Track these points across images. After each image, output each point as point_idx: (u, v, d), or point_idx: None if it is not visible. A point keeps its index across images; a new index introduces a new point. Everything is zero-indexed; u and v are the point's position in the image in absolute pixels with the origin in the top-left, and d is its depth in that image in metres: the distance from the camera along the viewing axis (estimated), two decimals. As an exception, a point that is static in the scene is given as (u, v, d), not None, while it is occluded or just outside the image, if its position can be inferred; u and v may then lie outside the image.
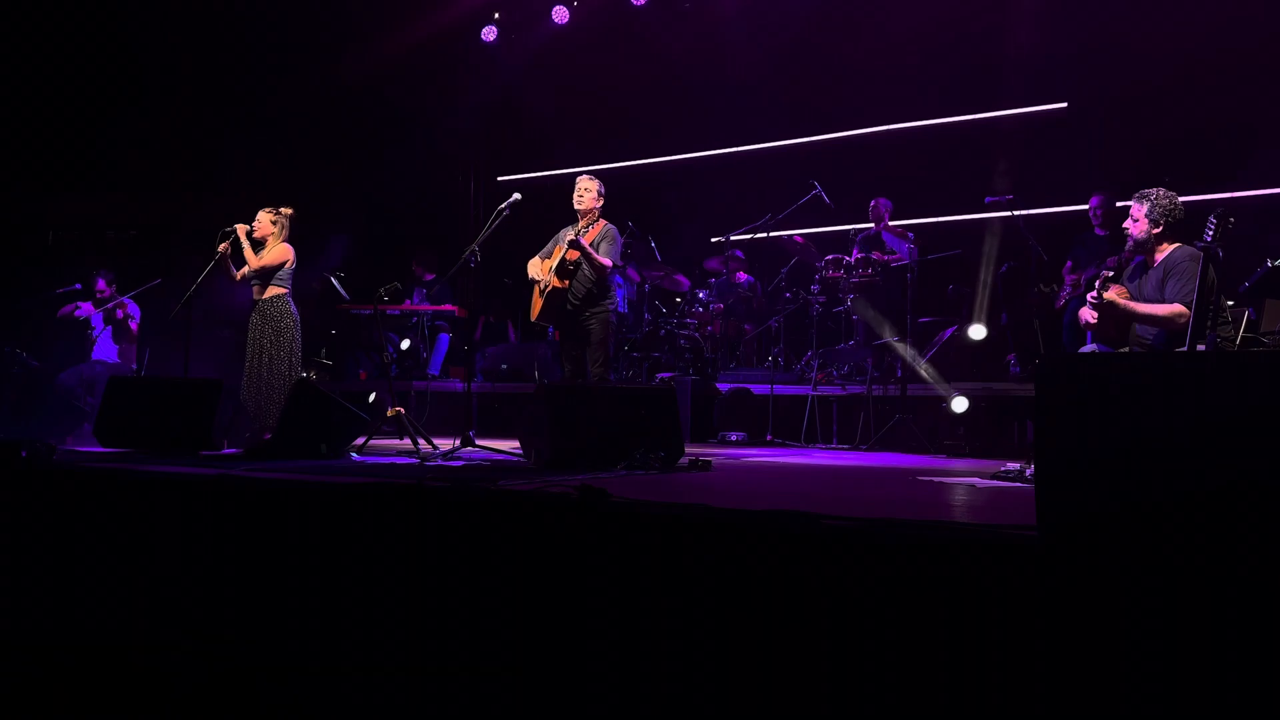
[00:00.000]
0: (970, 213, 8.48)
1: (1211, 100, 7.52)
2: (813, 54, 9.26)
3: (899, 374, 7.21)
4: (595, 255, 5.92)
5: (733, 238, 8.85)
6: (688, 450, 5.07)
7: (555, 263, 5.97)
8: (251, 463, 4.67)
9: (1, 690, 3.49)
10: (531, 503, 3.08)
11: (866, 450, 6.77)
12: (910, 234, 8.24)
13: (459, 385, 8.39)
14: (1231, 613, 1.99)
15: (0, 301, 8.85)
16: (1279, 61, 7.27)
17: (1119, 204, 6.92)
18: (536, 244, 6.29)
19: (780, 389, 7.65)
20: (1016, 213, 7.55)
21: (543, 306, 6.09)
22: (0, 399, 8.09)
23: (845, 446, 7.06)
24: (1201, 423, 2.10)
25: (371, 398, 5.65)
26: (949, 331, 7.64)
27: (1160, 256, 4.67)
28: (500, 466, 4.78)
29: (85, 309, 8.19)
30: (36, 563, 3.87)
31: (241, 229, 6.09)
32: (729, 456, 5.84)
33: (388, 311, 9.04)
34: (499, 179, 10.85)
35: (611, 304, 6.16)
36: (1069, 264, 7.50)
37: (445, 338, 9.51)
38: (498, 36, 10.51)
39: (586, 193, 6.11)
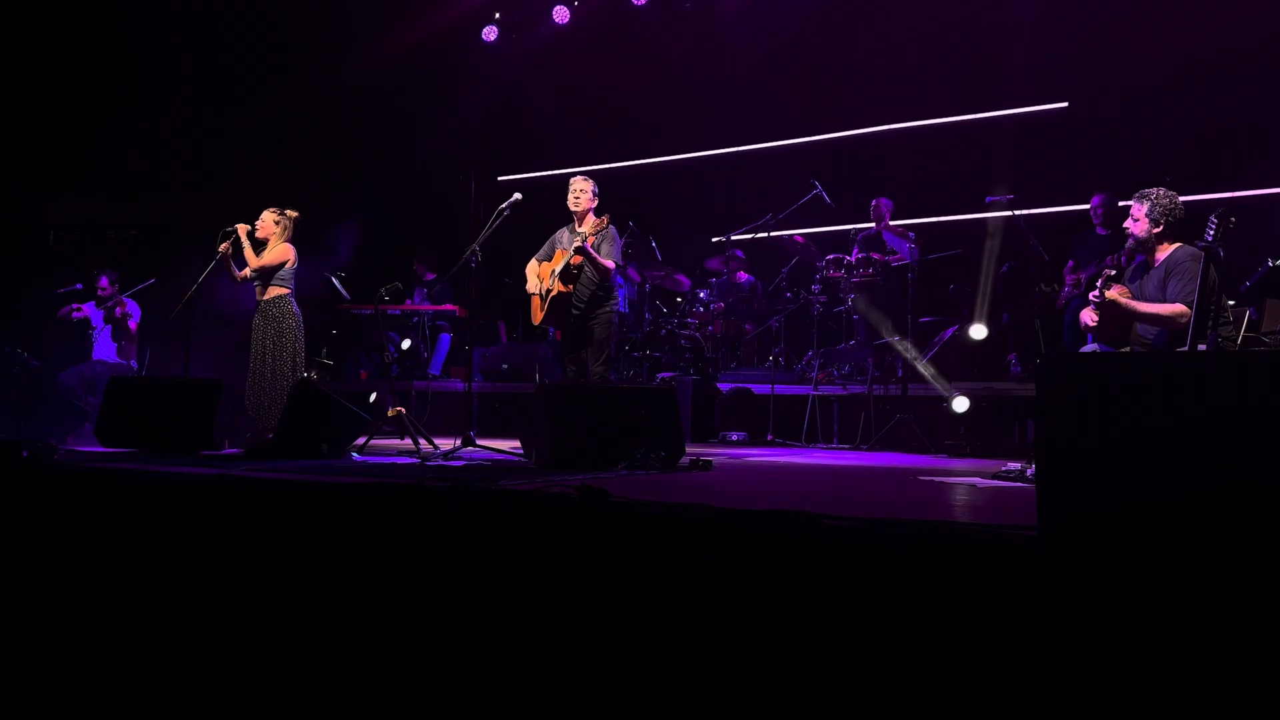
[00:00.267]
0: (971, 212, 8.48)
1: (1212, 100, 7.51)
2: (813, 53, 9.27)
3: (900, 374, 7.21)
4: (599, 258, 5.93)
5: (733, 237, 8.85)
6: (688, 450, 5.07)
7: (559, 268, 5.96)
8: (252, 462, 4.66)
9: (1, 690, 3.49)
10: (532, 503, 3.08)
11: (867, 450, 6.76)
12: (911, 233, 8.24)
13: (460, 385, 8.39)
14: (1233, 613, 1.99)
15: (1, 301, 8.85)
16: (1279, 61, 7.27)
17: (1120, 204, 6.92)
18: (537, 244, 6.29)
19: (781, 389, 7.65)
20: (1017, 212, 7.55)
21: (546, 311, 6.09)
22: (1, 399, 8.09)
23: (846, 446, 7.06)
24: (1202, 423, 2.09)
25: (372, 397, 5.65)
26: (950, 331, 7.64)
27: (1161, 256, 4.66)
28: (501, 466, 4.78)
29: (85, 309, 8.18)
30: (37, 563, 3.87)
31: (242, 229, 6.09)
32: (730, 456, 5.84)
33: (389, 311, 9.04)
34: (499, 179, 10.85)
35: (614, 304, 6.18)
36: (1070, 264, 7.50)
37: (446, 338, 9.51)
38: (498, 36, 10.52)
39: (582, 194, 6.12)
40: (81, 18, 9.33)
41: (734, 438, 7.51)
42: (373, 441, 5.67)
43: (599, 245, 5.99)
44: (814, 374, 7.64)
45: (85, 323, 8.16)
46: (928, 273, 7.79)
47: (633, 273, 8.76)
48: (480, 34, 10.49)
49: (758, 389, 7.84)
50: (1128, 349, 4.66)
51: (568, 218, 6.22)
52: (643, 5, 9.84)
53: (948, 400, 6.83)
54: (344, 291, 8.91)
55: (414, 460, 5.05)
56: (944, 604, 2.25)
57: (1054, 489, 2.26)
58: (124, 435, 5.57)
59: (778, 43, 9.28)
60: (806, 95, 9.49)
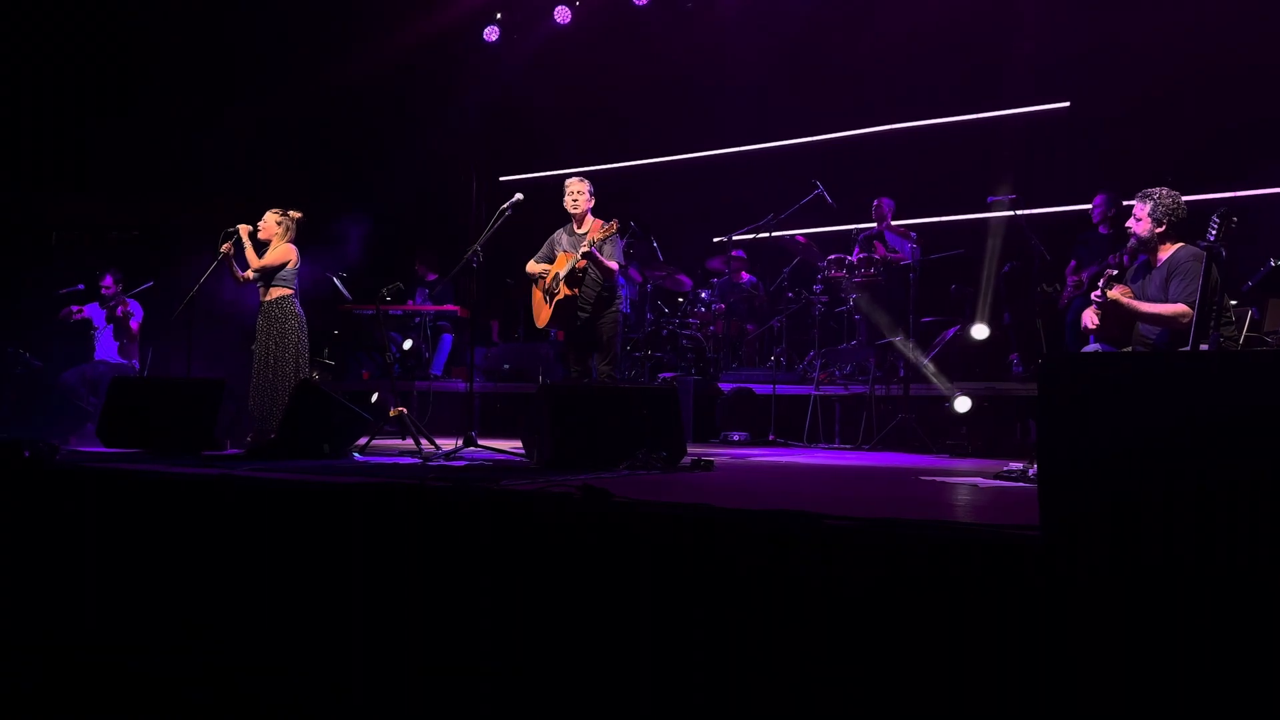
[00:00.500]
0: (973, 212, 8.47)
1: (1215, 99, 7.51)
2: (815, 53, 9.26)
3: (901, 374, 7.21)
4: (604, 260, 5.93)
5: (735, 237, 8.84)
6: (690, 450, 5.07)
7: (564, 271, 5.96)
8: (254, 463, 4.67)
9: (2, 690, 3.49)
10: (534, 503, 3.08)
11: (869, 450, 6.76)
12: (913, 233, 8.23)
13: (461, 385, 8.39)
14: (1235, 612, 1.99)
15: (3, 302, 8.86)
16: (1282, 60, 7.27)
17: (1122, 203, 6.91)
18: (538, 244, 6.29)
19: (782, 389, 7.65)
20: (1019, 212, 7.55)
21: (551, 314, 6.08)
22: (2, 399, 8.10)
23: (848, 446, 7.06)
24: (1204, 423, 2.09)
25: (374, 398, 5.65)
26: (951, 331, 7.63)
27: (1164, 256, 4.66)
28: (502, 466, 4.78)
29: (87, 310, 8.19)
30: (39, 563, 3.87)
31: (244, 229, 6.09)
32: (731, 457, 5.83)
33: (390, 311, 9.04)
34: (501, 179, 10.85)
35: (619, 304, 6.19)
36: (1072, 264, 7.50)
37: (448, 338, 9.52)
38: (500, 36, 10.52)
39: (580, 195, 6.12)
40: (82, 18, 9.34)
41: (735, 438, 7.50)
42: (374, 442, 5.67)
43: (601, 245, 6.00)
44: (815, 374, 7.64)
45: (87, 323, 8.17)
46: (929, 273, 7.78)
47: (634, 273, 8.75)
48: (481, 34, 10.50)
49: (759, 389, 7.84)
50: (1130, 349, 4.66)
51: (570, 218, 6.22)
52: (644, 5, 9.84)
53: (949, 400, 6.83)
54: (345, 292, 8.91)
55: (416, 460, 5.05)
56: (946, 604, 2.25)
57: (1056, 489, 2.25)
58: (126, 435, 5.57)
59: (779, 42, 9.28)
60: (808, 95, 9.49)
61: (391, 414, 5.86)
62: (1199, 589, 2.02)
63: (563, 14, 10.12)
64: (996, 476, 4.40)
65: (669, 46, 9.73)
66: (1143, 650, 2.05)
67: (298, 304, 6.08)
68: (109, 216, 9.96)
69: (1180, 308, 4.43)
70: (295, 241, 6.16)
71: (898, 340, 7.28)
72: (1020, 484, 4.11)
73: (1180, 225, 4.65)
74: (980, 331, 7.39)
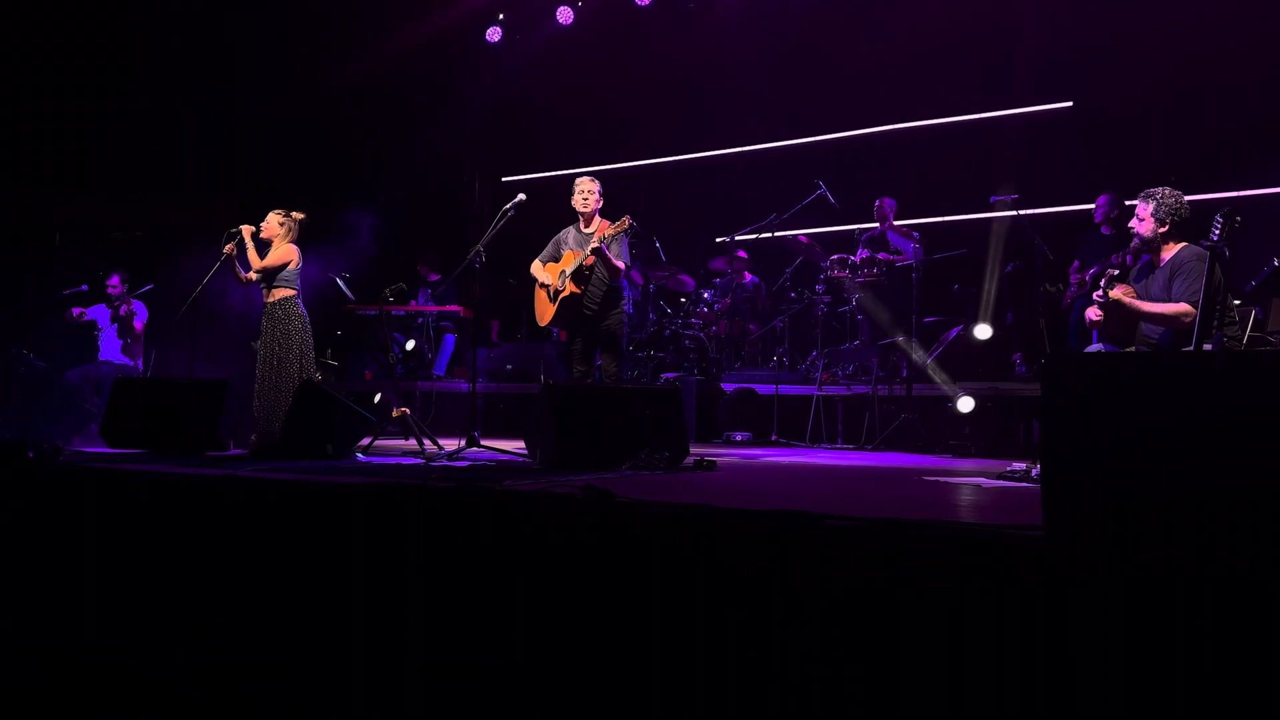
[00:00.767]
0: (975, 212, 8.47)
1: (1218, 98, 7.49)
2: (817, 53, 9.26)
3: (904, 374, 7.20)
4: (611, 259, 5.93)
5: (737, 238, 8.84)
6: (693, 450, 5.07)
7: (570, 269, 5.96)
8: (257, 463, 4.67)
9: (2, 690, 3.49)
10: (536, 503, 3.08)
11: (872, 450, 6.76)
12: (915, 233, 8.23)
13: (464, 386, 8.40)
14: (1238, 613, 1.98)
15: (6, 302, 8.87)
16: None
17: (1125, 203, 6.90)
18: (541, 244, 6.29)
19: (785, 389, 7.65)
20: (1022, 212, 7.54)
21: (555, 312, 6.08)
22: (6, 400, 8.11)
23: (850, 446, 7.06)
24: (1207, 422, 2.09)
25: (377, 398, 5.66)
26: (954, 331, 7.63)
27: (1167, 255, 4.65)
28: (505, 467, 4.78)
29: (91, 311, 8.20)
30: (42, 563, 3.87)
31: (247, 230, 6.09)
32: (734, 457, 5.83)
33: (393, 312, 9.05)
34: (504, 179, 10.86)
35: (625, 303, 6.19)
36: (1075, 263, 7.49)
37: (451, 338, 9.52)
38: (502, 37, 10.53)
39: (590, 194, 6.11)
40: (82, 17, 9.36)
41: (738, 438, 7.50)
42: (377, 442, 5.68)
43: (609, 244, 6.00)
44: (818, 374, 7.64)
45: (91, 324, 8.18)
46: (932, 273, 7.77)
47: (636, 274, 8.75)
48: (484, 34, 10.51)
49: (762, 389, 7.84)
50: (1133, 349, 4.65)
51: (572, 217, 6.21)
52: (646, 6, 9.84)
53: (952, 400, 6.82)
54: (349, 292, 8.92)
55: (419, 461, 5.06)
56: (948, 605, 2.25)
57: (1059, 489, 2.25)
58: (129, 436, 5.58)
59: (781, 42, 9.28)
60: (810, 95, 9.48)
61: (394, 414, 5.87)
62: (1202, 589, 2.01)
63: (565, 14, 10.13)
64: (999, 477, 4.40)
65: (671, 47, 9.73)
66: (1145, 651, 2.04)
67: (301, 304, 6.08)
68: (110, 217, 9.97)
69: (1183, 307, 4.42)
70: (298, 242, 6.16)
71: (900, 340, 7.27)
72: (1023, 484, 4.11)
73: (1183, 225, 4.64)
74: (983, 331, 7.38)
